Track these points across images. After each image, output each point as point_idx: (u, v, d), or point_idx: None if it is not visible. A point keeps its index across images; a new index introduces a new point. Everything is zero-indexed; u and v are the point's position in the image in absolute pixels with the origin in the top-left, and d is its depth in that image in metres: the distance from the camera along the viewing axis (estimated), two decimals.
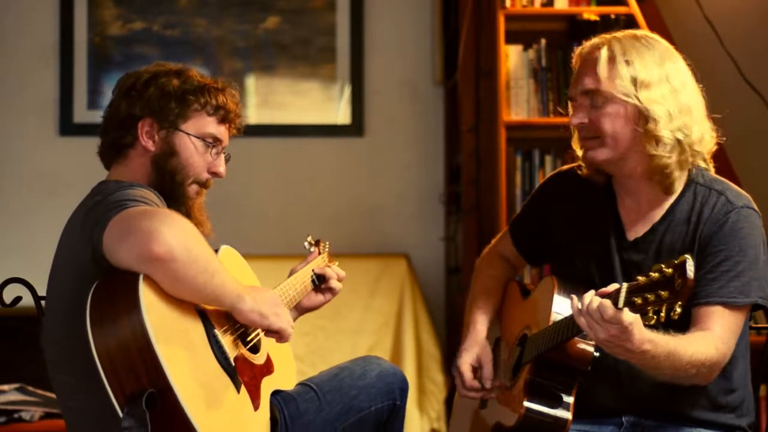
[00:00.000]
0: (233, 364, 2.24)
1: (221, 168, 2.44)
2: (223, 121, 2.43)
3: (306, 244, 2.81)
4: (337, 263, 2.81)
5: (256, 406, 2.29)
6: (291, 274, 2.67)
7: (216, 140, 2.42)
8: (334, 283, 2.71)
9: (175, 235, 2.07)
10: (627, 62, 2.41)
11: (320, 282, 2.70)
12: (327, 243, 2.85)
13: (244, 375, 2.28)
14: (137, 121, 2.37)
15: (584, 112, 2.44)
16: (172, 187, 2.38)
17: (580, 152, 2.55)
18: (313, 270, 2.70)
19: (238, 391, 2.24)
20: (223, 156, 2.45)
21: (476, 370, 2.63)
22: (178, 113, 2.38)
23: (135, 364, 2.03)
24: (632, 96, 2.40)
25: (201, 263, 2.11)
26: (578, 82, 2.46)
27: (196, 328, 2.18)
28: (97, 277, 2.13)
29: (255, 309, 2.22)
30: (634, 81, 2.40)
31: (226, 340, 2.25)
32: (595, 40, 2.48)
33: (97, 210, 2.18)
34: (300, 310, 2.70)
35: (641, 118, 2.40)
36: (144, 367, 2.02)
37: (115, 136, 2.40)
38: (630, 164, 2.46)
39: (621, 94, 2.40)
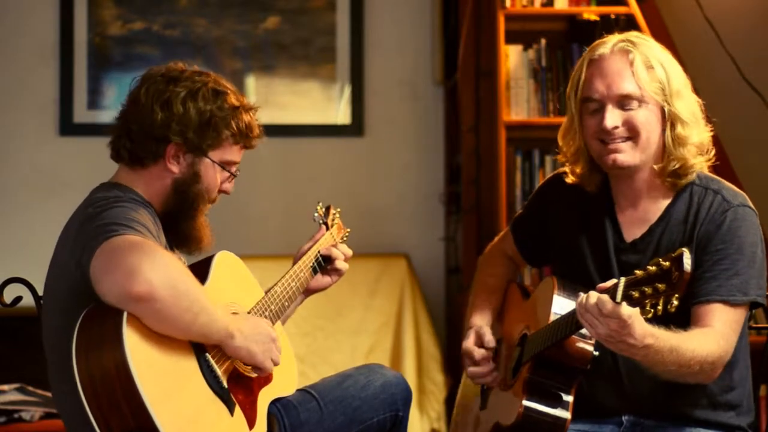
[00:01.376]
0: (225, 386, 2.22)
1: (230, 186, 2.44)
2: (245, 146, 2.43)
3: (315, 215, 2.76)
4: (348, 232, 2.78)
5: (251, 424, 2.28)
6: (298, 255, 2.64)
7: (234, 164, 2.43)
8: (339, 264, 2.66)
9: (158, 273, 2.02)
10: (662, 67, 2.45)
11: (326, 263, 2.66)
12: (338, 210, 2.80)
13: (238, 394, 2.26)
14: (168, 142, 2.33)
15: (616, 115, 2.45)
16: (190, 208, 2.38)
17: (572, 168, 2.59)
18: (318, 251, 2.66)
19: (232, 414, 2.22)
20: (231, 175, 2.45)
21: (478, 346, 2.65)
22: (211, 143, 2.36)
23: (119, 402, 2.00)
24: (666, 101, 2.44)
25: (185, 302, 2.07)
26: (609, 86, 2.45)
27: (186, 358, 2.15)
28: (85, 292, 2.10)
29: (243, 346, 2.21)
30: (667, 85, 2.45)
31: (218, 362, 2.22)
32: (616, 42, 2.48)
33: (89, 228, 2.15)
34: (307, 292, 2.67)
35: (671, 121, 2.45)
36: (128, 406, 2.00)
37: (139, 146, 2.35)
38: (647, 168, 2.48)
39: (658, 98, 2.44)
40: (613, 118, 2.44)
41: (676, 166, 2.46)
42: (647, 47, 2.47)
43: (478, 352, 2.63)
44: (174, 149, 2.34)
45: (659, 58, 2.47)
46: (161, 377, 2.07)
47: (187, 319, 2.08)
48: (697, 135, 2.47)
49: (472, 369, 2.64)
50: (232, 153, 2.40)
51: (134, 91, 2.38)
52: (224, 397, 2.20)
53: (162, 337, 2.09)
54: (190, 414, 2.10)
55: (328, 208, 2.78)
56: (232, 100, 2.39)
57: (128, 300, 2.02)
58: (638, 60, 2.44)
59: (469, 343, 2.65)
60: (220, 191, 2.43)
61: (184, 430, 2.06)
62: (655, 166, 2.48)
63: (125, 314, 2.04)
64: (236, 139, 2.39)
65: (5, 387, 4.07)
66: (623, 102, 2.44)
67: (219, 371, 2.21)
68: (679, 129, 2.45)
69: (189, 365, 2.15)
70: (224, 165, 2.39)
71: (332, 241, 2.72)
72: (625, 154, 2.45)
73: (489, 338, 2.64)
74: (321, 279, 2.67)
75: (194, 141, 2.34)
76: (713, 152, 2.52)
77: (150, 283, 2.01)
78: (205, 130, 2.34)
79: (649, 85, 2.44)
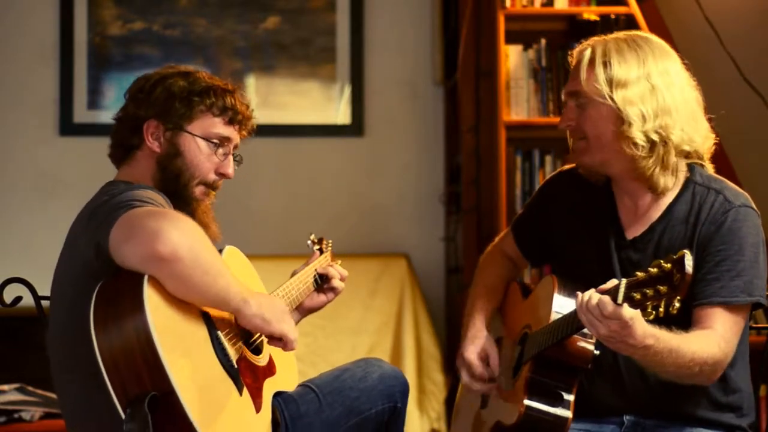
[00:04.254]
0: (236, 366, 2.24)
1: (229, 169, 2.43)
2: (230, 122, 2.43)
3: (309, 242, 2.81)
4: (339, 262, 2.81)
5: (258, 408, 2.29)
6: (293, 275, 2.66)
7: (223, 140, 2.42)
8: (336, 283, 2.70)
9: (180, 235, 2.07)
10: (605, 63, 2.43)
11: (323, 282, 2.69)
12: (330, 242, 2.85)
13: (246, 377, 2.28)
14: (143, 122, 2.37)
15: (572, 115, 2.48)
16: (177, 188, 2.38)
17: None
18: (315, 270, 2.69)
19: (241, 394, 2.24)
20: (231, 157, 2.44)
21: (482, 361, 2.64)
22: (183, 114, 2.38)
23: (138, 366, 2.03)
24: (607, 97, 2.41)
25: (205, 265, 2.11)
26: (566, 85, 2.50)
27: (200, 331, 2.18)
28: (100, 276, 2.13)
29: (258, 313, 2.22)
30: (610, 82, 2.42)
31: (229, 343, 2.25)
32: (585, 42, 2.50)
33: (104, 209, 2.18)
34: (302, 311, 2.70)
35: (618, 119, 2.42)
36: (147, 369, 2.02)
37: (122, 137, 2.41)
38: (615, 166, 2.48)
39: (597, 95, 2.43)
40: (565, 117, 2.49)
41: (634, 165, 2.42)
42: (609, 44, 2.45)
43: (480, 371, 2.62)
44: (151, 127, 2.37)
45: (617, 53, 2.43)
46: (179, 344, 2.10)
47: (207, 282, 2.11)
48: (643, 133, 2.39)
49: (466, 380, 2.64)
50: (215, 125, 2.40)
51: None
52: (234, 376, 2.22)
53: (179, 307, 2.13)
54: (204, 382, 2.13)
55: (321, 240, 2.83)
56: (205, 78, 2.43)
57: (152, 260, 2.06)
58: (586, 57, 2.45)
59: (472, 354, 2.63)
60: (220, 174, 2.43)
61: (198, 395, 2.08)
62: (623, 166, 2.45)
63: (146, 279, 2.07)
64: (215, 112, 2.40)
65: (5, 387, 4.07)
66: (577, 100, 2.47)
67: (229, 351, 2.23)
68: (624, 127, 2.40)
69: (203, 338, 2.18)
70: (208, 138, 2.39)
71: (327, 263, 2.76)
72: (581, 154, 2.49)
73: (495, 363, 2.62)
74: (317, 298, 2.70)
75: (165, 114, 2.37)
76: (702, 153, 2.50)
77: (173, 243, 2.05)
78: (173, 102, 2.37)
79: (591, 81, 2.42)
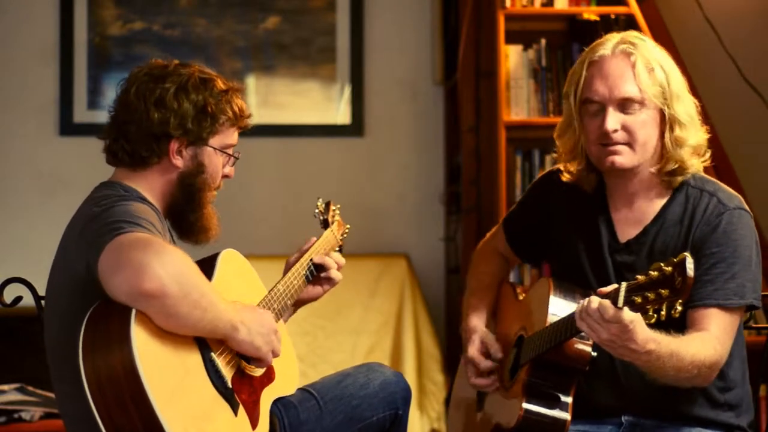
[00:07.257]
0: (230, 386, 2.22)
1: (231, 170, 2.45)
2: (240, 127, 2.44)
3: (315, 212, 2.74)
4: (348, 228, 2.77)
5: (254, 424, 2.27)
6: (287, 266, 2.59)
7: (232, 147, 2.43)
8: (333, 273, 2.60)
9: (167, 270, 2.03)
10: (662, 69, 2.45)
11: (318, 272, 2.60)
12: (337, 207, 2.78)
13: (242, 393, 2.26)
14: (170, 139, 2.33)
15: (617, 118, 2.44)
16: (196, 200, 2.38)
17: (569, 167, 2.58)
18: (311, 259, 2.60)
19: (236, 414, 2.22)
20: (232, 159, 2.46)
21: (484, 355, 2.63)
22: (210, 130, 2.37)
23: (125, 401, 1.99)
24: (665, 104, 2.44)
25: (193, 298, 2.07)
26: (611, 88, 2.44)
27: (192, 357, 2.15)
28: (92, 291, 2.10)
29: (248, 340, 2.21)
30: (667, 88, 2.44)
31: (223, 360, 2.22)
32: (616, 44, 2.46)
33: (95, 226, 2.15)
34: (298, 304, 2.62)
35: (670, 124, 2.44)
36: (135, 406, 1.99)
37: (141, 148, 2.34)
38: (644, 169, 2.48)
39: (658, 101, 2.43)
40: (613, 120, 2.43)
41: (674, 167, 2.47)
42: (647, 49, 2.47)
43: (485, 364, 2.61)
44: (176, 144, 2.34)
45: (659, 59, 2.46)
46: (168, 377, 2.07)
47: (196, 315, 2.08)
48: (694, 136, 2.47)
49: (476, 380, 2.63)
50: (231, 136, 2.41)
51: (122, 95, 2.37)
52: (228, 397, 2.20)
53: (169, 336, 2.09)
54: (195, 414, 2.10)
55: (327, 204, 2.76)
56: (221, 85, 2.40)
57: (139, 297, 2.02)
58: (640, 62, 2.44)
59: (474, 351, 2.63)
60: (223, 176, 2.43)
61: (189, 428, 2.06)
62: (652, 169, 2.47)
63: (133, 313, 2.03)
64: (232, 122, 2.40)
65: (5, 387, 4.07)
66: (624, 105, 2.44)
67: (224, 371, 2.21)
68: (677, 131, 2.45)
69: (195, 365, 2.15)
70: (225, 150, 2.40)
71: (333, 237, 2.70)
72: (623, 157, 2.45)
73: (495, 350, 2.62)
74: (312, 290, 2.62)
75: (194, 132, 2.35)
76: (709, 153, 2.52)
77: (160, 279, 2.01)
78: (202, 120, 2.35)
79: (650, 88, 2.43)
